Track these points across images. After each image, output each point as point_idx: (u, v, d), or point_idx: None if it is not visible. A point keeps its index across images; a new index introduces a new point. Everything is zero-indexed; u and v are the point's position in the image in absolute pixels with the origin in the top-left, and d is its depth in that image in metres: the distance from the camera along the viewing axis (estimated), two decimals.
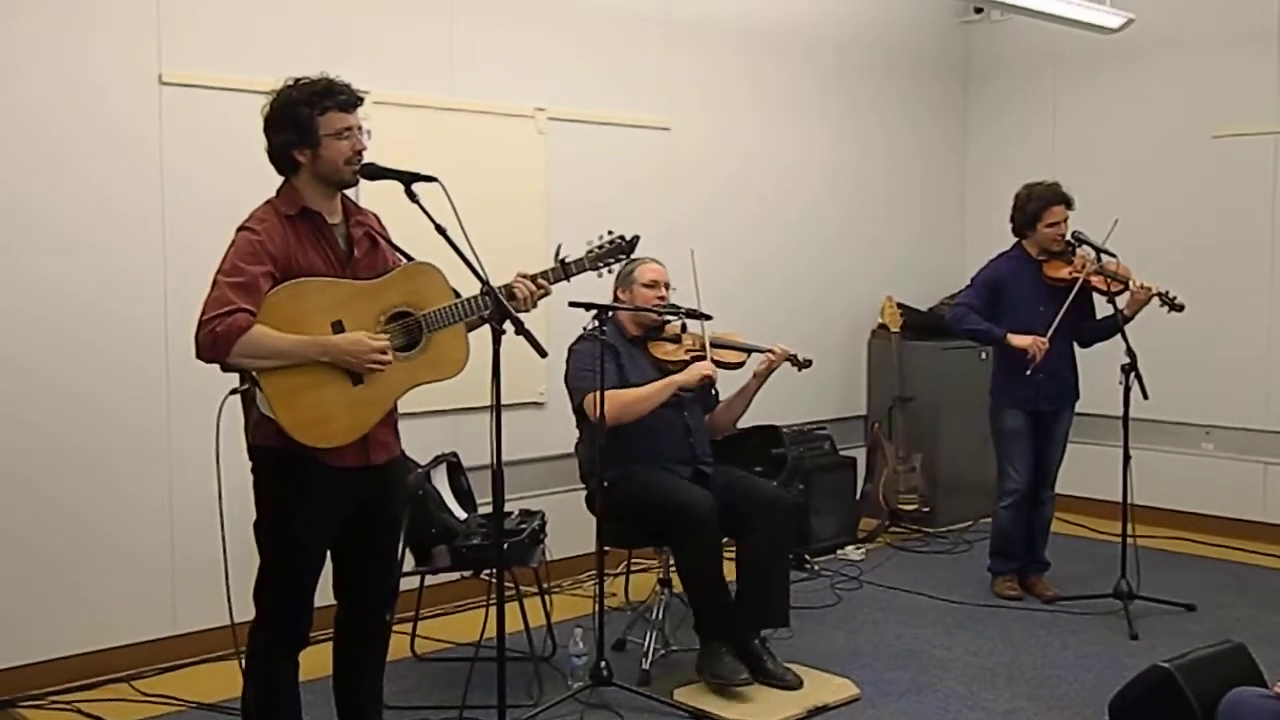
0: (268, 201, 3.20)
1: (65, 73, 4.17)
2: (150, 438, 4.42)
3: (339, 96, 3.16)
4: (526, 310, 3.41)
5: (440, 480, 4.54)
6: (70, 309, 4.22)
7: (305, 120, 3.13)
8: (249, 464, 3.24)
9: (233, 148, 4.47)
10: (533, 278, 3.48)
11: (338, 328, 3.13)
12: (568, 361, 4.44)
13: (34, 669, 4.19)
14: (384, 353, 3.13)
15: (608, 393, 4.14)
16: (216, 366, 3.04)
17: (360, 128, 3.21)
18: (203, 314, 2.97)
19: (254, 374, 3.04)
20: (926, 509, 6.62)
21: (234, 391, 3.14)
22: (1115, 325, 5.12)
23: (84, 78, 4.21)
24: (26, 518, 4.18)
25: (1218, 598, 5.39)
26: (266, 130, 3.19)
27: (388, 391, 3.22)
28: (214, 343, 2.94)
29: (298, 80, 3.18)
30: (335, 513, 3.25)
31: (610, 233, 3.82)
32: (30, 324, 4.15)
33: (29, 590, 4.19)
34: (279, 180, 3.25)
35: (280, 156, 3.19)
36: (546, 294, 3.53)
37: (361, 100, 3.24)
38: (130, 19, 4.30)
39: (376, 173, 3.24)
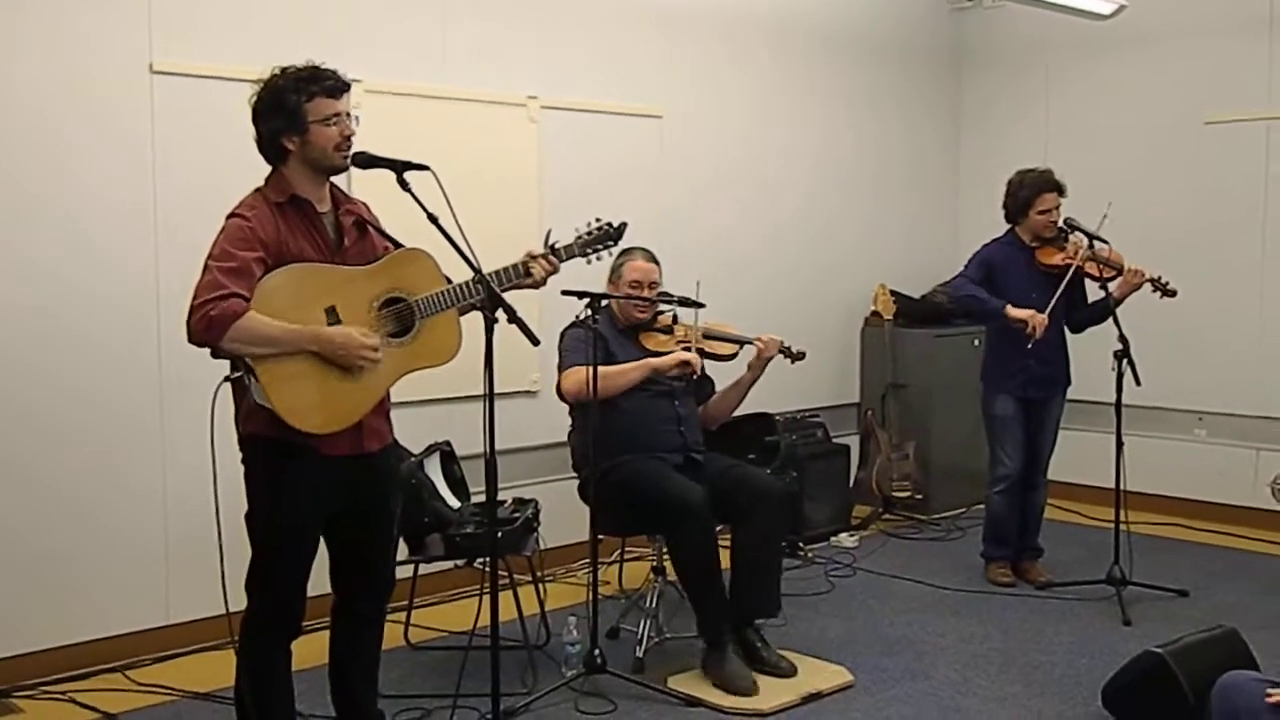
0: (257, 190, 3.19)
1: (56, 61, 4.15)
2: (143, 427, 4.41)
3: (325, 82, 3.15)
4: (540, 285, 3.51)
5: (433, 469, 4.54)
6: (61, 297, 4.21)
7: (293, 107, 3.12)
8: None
9: (224, 137, 4.45)
10: (543, 255, 3.55)
11: (331, 313, 3.13)
12: (559, 348, 4.45)
13: (28, 659, 4.19)
14: (374, 350, 3.13)
15: (581, 367, 4.16)
16: (208, 354, 3.03)
17: (349, 114, 3.20)
18: (195, 298, 2.95)
19: (247, 360, 3.02)
20: (920, 496, 6.62)
21: (227, 379, 3.12)
22: (1106, 310, 5.12)
23: (75, 66, 4.19)
24: (19, 508, 4.17)
25: (1210, 583, 5.41)
26: (255, 120, 3.18)
27: (381, 378, 3.21)
28: (208, 327, 2.92)
29: (284, 69, 3.17)
30: (327, 502, 3.24)
31: (598, 220, 3.82)
32: (20, 312, 4.14)
33: (22, 580, 4.19)
34: (270, 169, 3.23)
35: (269, 145, 3.18)
36: (555, 271, 3.58)
37: (349, 86, 3.22)
38: (122, 7, 4.28)
39: (368, 161, 3.24)
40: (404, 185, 3.21)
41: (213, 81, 4.44)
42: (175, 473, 4.45)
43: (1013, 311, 5.18)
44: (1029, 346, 5.12)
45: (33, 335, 4.16)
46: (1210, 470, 6.58)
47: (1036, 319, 5.11)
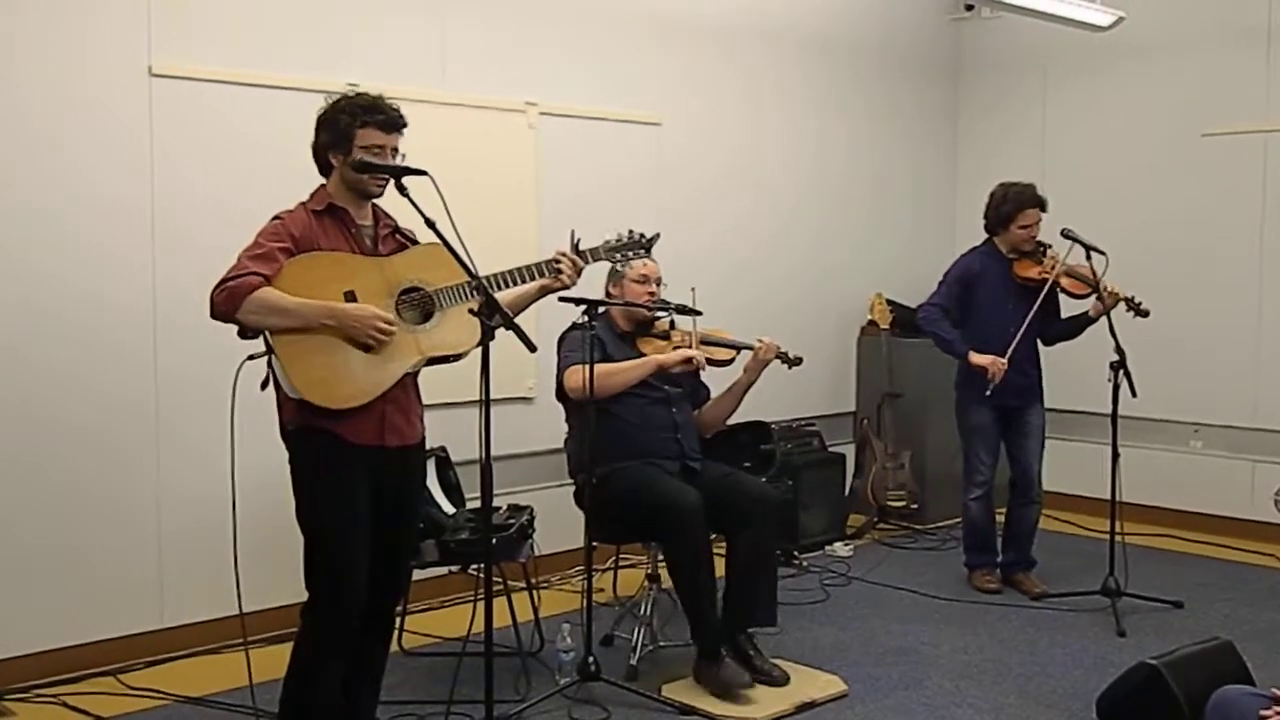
0: (300, 202, 3.35)
1: (56, 65, 4.15)
2: (139, 429, 4.40)
3: (379, 115, 3.30)
4: (569, 285, 3.59)
5: (429, 475, 4.53)
6: (60, 297, 4.20)
7: (344, 128, 3.29)
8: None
9: (223, 139, 4.48)
10: (571, 255, 3.62)
11: (350, 298, 3.23)
12: (558, 350, 4.44)
13: (20, 662, 4.17)
14: (388, 324, 3.21)
15: (583, 365, 4.13)
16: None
17: (395, 150, 3.32)
18: (220, 279, 3.11)
19: (268, 339, 3.13)
20: (915, 505, 6.62)
21: (251, 357, 3.21)
22: (1081, 326, 5.16)
23: (74, 70, 4.19)
24: (14, 509, 4.16)
25: (1205, 595, 5.41)
26: (315, 129, 3.35)
27: (397, 360, 3.28)
28: (226, 298, 3.07)
29: (359, 93, 3.38)
30: (360, 492, 3.29)
31: (631, 231, 3.87)
32: (19, 312, 4.13)
33: (14, 583, 4.17)
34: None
35: (319, 157, 3.37)
36: (581, 271, 3.65)
37: (404, 125, 3.35)
38: (120, 11, 4.28)
39: (366, 166, 3.29)
40: (402, 190, 3.24)
41: (211, 85, 4.46)
42: (170, 480, 4.45)
43: (975, 358, 5.25)
44: (987, 393, 5.17)
45: (29, 334, 4.15)
46: (1206, 482, 6.59)
47: (996, 365, 5.15)
